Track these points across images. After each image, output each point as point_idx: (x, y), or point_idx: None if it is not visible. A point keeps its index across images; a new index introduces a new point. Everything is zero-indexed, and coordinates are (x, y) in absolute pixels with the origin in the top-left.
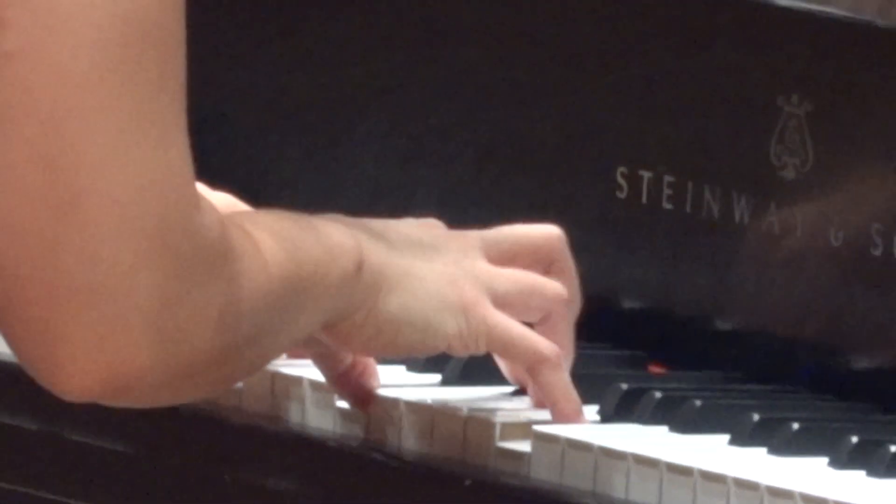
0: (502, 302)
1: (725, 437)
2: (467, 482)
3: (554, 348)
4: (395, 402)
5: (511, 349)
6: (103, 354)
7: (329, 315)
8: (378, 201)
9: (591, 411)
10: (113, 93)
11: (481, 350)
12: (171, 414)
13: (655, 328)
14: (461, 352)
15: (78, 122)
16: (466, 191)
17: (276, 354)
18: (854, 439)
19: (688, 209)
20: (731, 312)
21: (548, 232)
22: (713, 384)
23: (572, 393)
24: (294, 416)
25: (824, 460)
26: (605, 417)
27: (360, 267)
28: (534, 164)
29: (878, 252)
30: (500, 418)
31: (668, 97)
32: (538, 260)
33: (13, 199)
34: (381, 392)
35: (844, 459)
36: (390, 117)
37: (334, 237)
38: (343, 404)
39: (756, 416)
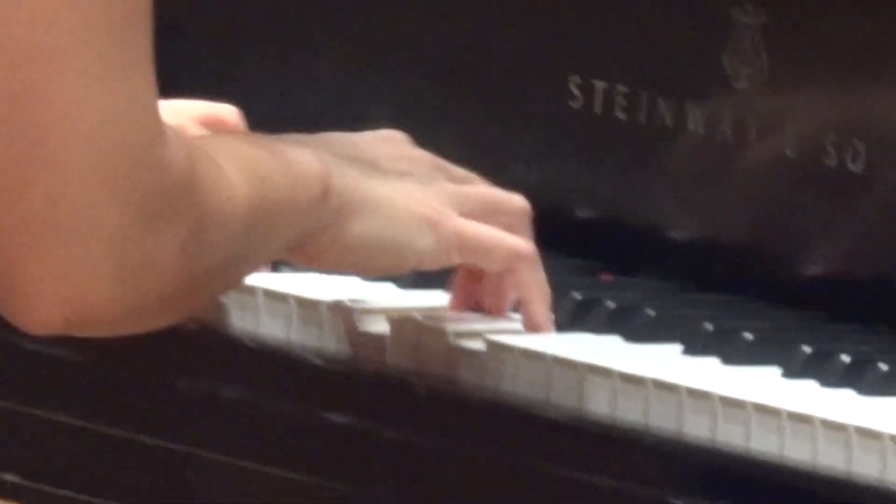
0: (469, 216)
1: (679, 347)
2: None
3: (530, 246)
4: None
5: (486, 253)
6: (67, 288)
7: (296, 238)
8: (333, 112)
9: None
10: (80, 29)
11: (455, 262)
12: None
13: (609, 238)
14: (434, 266)
15: (45, 59)
16: (421, 101)
17: (244, 277)
18: (807, 349)
19: (641, 119)
20: (684, 222)
21: (515, 200)
22: (667, 294)
23: (547, 295)
24: (248, 324)
25: (777, 370)
26: (560, 327)
27: (326, 191)
28: (487, 74)
29: (831, 163)
30: (453, 327)
31: (622, 7)
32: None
33: None
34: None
35: (797, 369)
36: (344, 29)
37: (302, 162)
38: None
39: (710, 326)
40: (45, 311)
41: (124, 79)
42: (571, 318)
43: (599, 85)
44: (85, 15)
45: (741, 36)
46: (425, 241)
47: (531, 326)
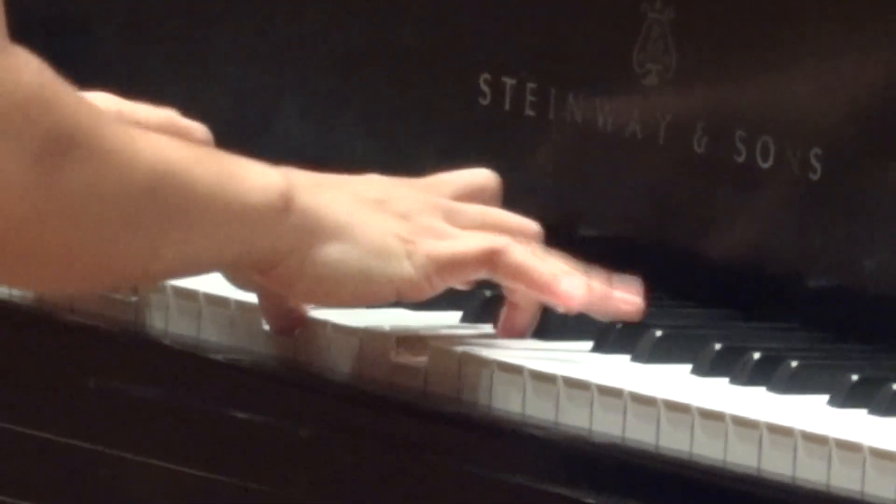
0: (454, 220)
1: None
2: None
3: (500, 238)
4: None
5: (460, 266)
6: None
7: (251, 251)
8: (242, 108)
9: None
10: None
11: (438, 287)
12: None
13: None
14: (416, 296)
15: None
16: (330, 97)
17: (160, 266)
18: (718, 346)
19: (550, 116)
20: (593, 219)
21: (486, 173)
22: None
23: (542, 262)
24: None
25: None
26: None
27: (287, 205)
28: (398, 71)
29: (741, 159)
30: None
31: (531, 3)
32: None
33: None
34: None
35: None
36: (253, 24)
37: (252, 168)
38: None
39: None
40: None
41: None
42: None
43: (509, 81)
44: None
45: (650, 32)
46: (399, 268)
47: (508, 322)
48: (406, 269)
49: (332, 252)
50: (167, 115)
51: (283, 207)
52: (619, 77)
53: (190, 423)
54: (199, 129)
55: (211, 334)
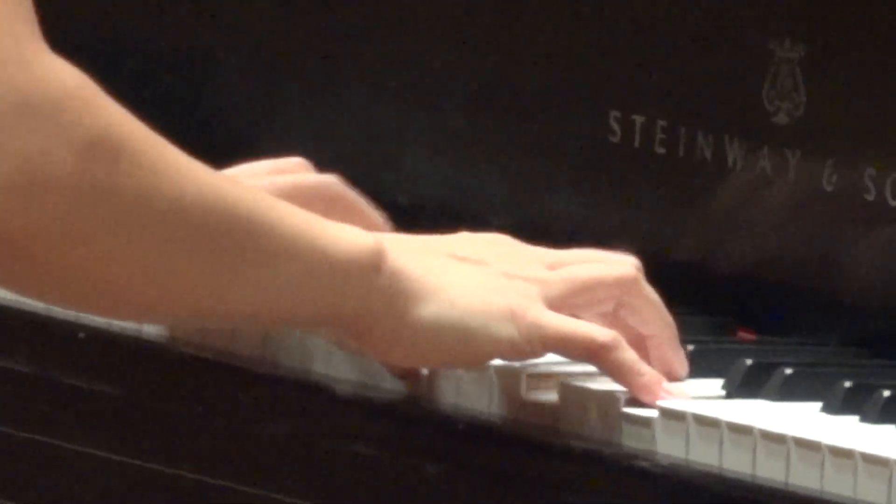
0: (562, 305)
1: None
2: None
3: (609, 333)
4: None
5: (566, 345)
6: None
7: (338, 308)
8: (371, 144)
9: None
10: None
11: (539, 354)
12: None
13: (649, 273)
14: (517, 359)
15: None
16: (460, 134)
17: (224, 311)
18: (847, 384)
19: (680, 153)
20: (723, 257)
21: (620, 275)
22: (705, 333)
23: (641, 368)
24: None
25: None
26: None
27: (378, 265)
28: (527, 108)
29: (870, 197)
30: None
31: (662, 41)
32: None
33: None
34: None
35: (838, 405)
36: (384, 60)
37: (345, 228)
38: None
39: (749, 361)
40: None
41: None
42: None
43: (639, 119)
44: None
45: (779, 70)
46: (503, 332)
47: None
48: (510, 332)
49: (429, 314)
50: (339, 189)
51: (373, 267)
52: (749, 115)
53: (318, 460)
54: (372, 215)
55: (340, 371)
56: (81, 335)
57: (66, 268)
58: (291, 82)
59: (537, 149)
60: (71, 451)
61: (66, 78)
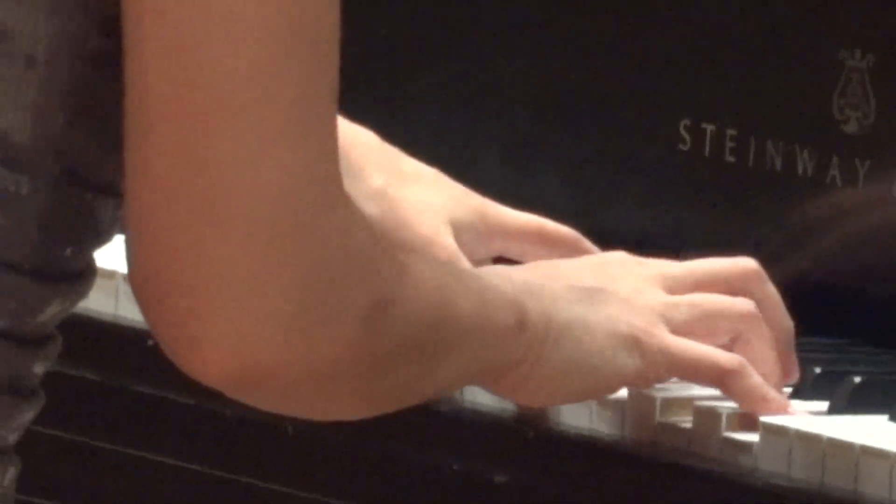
0: (683, 330)
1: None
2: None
3: (735, 358)
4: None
5: (693, 371)
6: (238, 339)
7: (488, 368)
8: (440, 152)
9: None
10: (267, 90)
11: (664, 379)
12: None
13: None
14: (643, 386)
15: (228, 119)
16: (528, 142)
17: (428, 394)
18: None
19: (750, 163)
20: (793, 266)
21: (741, 268)
22: None
23: (768, 394)
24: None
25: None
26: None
27: (523, 324)
28: (597, 117)
29: None
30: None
31: (732, 51)
32: (729, 292)
33: (158, 194)
34: None
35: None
36: (453, 66)
37: (494, 287)
38: None
39: (818, 370)
40: (215, 360)
41: (307, 138)
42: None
43: (709, 128)
44: (272, 74)
45: (849, 79)
46: (628, 362)
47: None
48: (635, 362)
49: (558, 356)
50: (537, 223)
51: (520, 327)
52: (819, 124)
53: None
54: (568, 234)
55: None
56: (150, 342)
57: (322, 396)
58: (361, 89)
59: (608, 157)
60: (142, 459)
61: (355, 238)
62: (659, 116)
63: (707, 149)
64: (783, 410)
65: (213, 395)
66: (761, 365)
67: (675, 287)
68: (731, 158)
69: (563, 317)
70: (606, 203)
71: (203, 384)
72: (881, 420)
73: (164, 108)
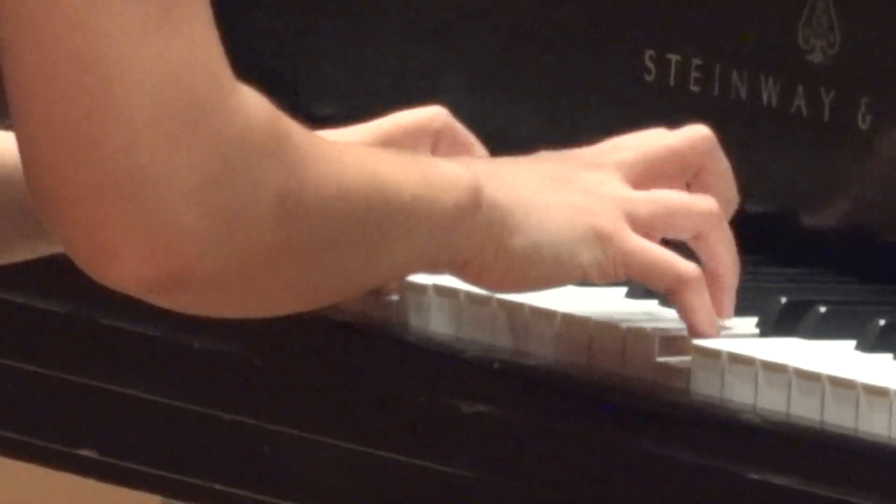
0: (644, 226)
1: (753, 320)
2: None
3: (694, 269)
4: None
5: (650, 274)
6: (151, 240)
7: (446, 251)
8: (405, 82)
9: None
10: None
11: (621, 278)
12: None
13: None
14: (600, 280)
15: (104, 13)
16: (494, 72)
17: (369, 280)
18: (881, 322)
19: (715, 92)
20: (757, 195)
21: (692, 138)
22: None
23: (711, 315)
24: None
25: (851, 343)
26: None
27: (477, 203)
28: (561, 47)
29: None
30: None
31: None
32: (685, 168)
33: (49, 97)
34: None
35: (872, 342)
36: (418, 1)
37: (443, 169)
38: None
39: (783, 300)
40: (134, 265)
41: (184, 29)
42: None
43: (674, 58)
44: None
45: (815, 8)
46: (590, 255)
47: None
48: (597, 255)
49: (522, 241)
50: (444, 121)
51: (474, 205)
52: (784, 53)
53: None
54: (475, 144)
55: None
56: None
57: (245, 289)
58: (326, 21)
59: (573, 88)
60: (109, 391)
61: (256, 120)
62: (624, 47)
63: (672, 79)
64: (716, 334)
65: (180, 327)
66: (719, 265)
67: (635, 176)
68: (695, 88)
69: (526, 203)
70: (573, 134)
71: (157, 308)
72: (848, 346)
73: (40, 11)
